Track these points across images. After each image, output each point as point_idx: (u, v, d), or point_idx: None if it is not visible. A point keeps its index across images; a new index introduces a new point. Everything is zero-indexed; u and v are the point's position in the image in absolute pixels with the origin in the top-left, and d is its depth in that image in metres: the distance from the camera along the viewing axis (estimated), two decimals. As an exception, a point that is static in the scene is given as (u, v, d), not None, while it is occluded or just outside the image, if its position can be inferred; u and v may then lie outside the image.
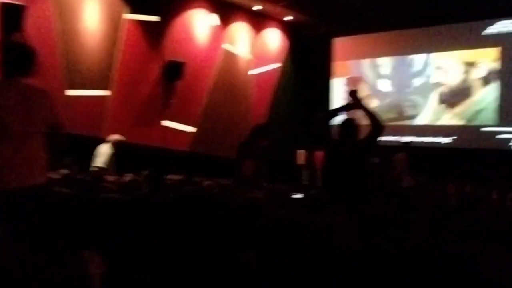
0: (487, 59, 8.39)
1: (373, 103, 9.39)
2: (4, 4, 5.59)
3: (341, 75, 10.06)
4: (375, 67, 9.68)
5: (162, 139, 7.69)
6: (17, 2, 5.65)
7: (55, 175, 4.02)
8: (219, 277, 1.22)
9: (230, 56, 8.92)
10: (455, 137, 8.73)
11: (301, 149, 9.84)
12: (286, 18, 9.77)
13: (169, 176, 6.05)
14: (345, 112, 4.03)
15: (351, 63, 9.99)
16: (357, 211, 3.61)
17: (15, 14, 5.57)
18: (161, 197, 3.22)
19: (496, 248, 1.89)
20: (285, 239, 2.20)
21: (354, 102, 3.85)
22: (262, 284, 1.49)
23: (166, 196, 3.38)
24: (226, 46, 8.82)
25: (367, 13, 9.05)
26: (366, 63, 9.79)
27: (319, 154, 6.82)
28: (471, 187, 8.36)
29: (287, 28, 10.20)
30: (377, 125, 3.75)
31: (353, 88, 3.88)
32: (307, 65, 10.37)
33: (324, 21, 9.83)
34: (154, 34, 7.57)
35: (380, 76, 9.63)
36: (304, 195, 5.08)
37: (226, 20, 8.76)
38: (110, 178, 4.79)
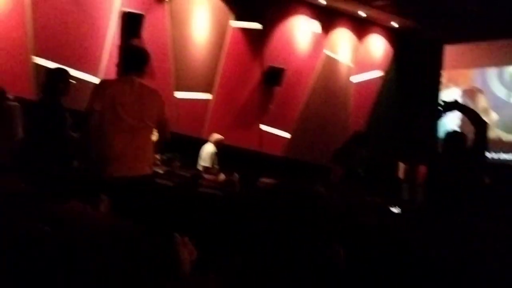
0: None
1: (493, 116, 8.59)
2: (125, 12, 6.22)
3: (454, 85, 9.38)
4: (497, 76, 8.82)
5: (258, 143, 7.88)
6: (136, 11, 6.25)
7: (159, 170, 4.35)
8: (301, 268, 1.21)
9: (330, 63, 8.84)
10: None
11: (402, 162, 9.36)
12: (391, 24, 9.41)
13: (262, 179, 6.17)
14: (447, 114, 3.63)
15: (466, 72, 9.25)
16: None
17: (134, 21, 6.16)
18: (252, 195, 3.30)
19: None
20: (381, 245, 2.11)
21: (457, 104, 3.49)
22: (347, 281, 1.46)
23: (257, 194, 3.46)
24: (327, 52, 8.76)
25: (483, 18, 8.34)
26: (485, 72, 8.98)
27: (422, 169, 6.42)
28: None
29: (391, 35, 9.81)
30: (480, 123, 3.36)
31: (470, 101, 3.53)
32: (413, 74, 9.84)
33: (433, 26, 9.26)
34: (256, 41, 7.81)
35: (506, 87, 8.72)
36: (402, 210, 4.83)
37: (328, 26, 8.71)
38: (208, 176, 5.04)
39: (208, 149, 6.48)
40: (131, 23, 6.15)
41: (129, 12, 6.18)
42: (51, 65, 5.14)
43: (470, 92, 9.01)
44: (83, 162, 3.31)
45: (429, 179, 3.84)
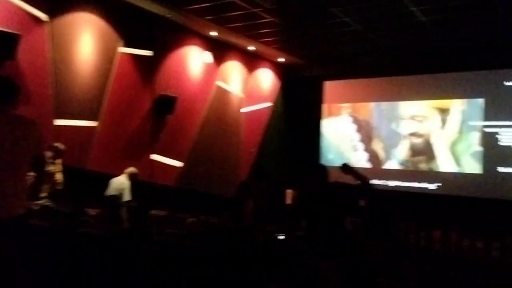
0: (470, 107, 8.54)
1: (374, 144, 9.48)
2: (-2, 31, 5.60)
3: (331, 116, 10.19)
4: (371, 110, 9.78)
5: (149, 173, 7.59)
6: (11, 30, 5.67)
7: (34, 207, 3.89)
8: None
9: (222, 93, 9.00)
10: (439, 184, 8.75)
11: (289, 189, 9.77)
12: (278, 60, 9.96)
13: (154, 212, 5.92)
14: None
15: (340, 105, 10.11)
16: (344, 256, 3.54)
17: (8, 41, 5.57)
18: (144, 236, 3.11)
19: None
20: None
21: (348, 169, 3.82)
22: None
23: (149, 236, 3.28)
24: (219, 83, 8.91)
25: (356, 59, 9.30)
26: (356, 106, 9.91)
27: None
28: (456, 235, 8.36)
29: (279, 69, 10.38)
30: (362, 178, 3.75)
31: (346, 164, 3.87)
32: (298, 106, 10.49)
33: (315, 64, 10.05)
34: (147, 68, 7.62)
35: (378, 120, 9.70)
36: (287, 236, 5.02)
37: (219, 58, 8.89)
38: (92, 212, 4.66)
39: (122, 182, 6.31)
40: (4, 44, 5.54)
41: (1, 31, 5.58)
42: None
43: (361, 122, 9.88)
44: None
45: (298, 205, 4.15)
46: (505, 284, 3.75)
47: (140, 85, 7.59)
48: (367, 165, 9.58)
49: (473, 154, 8.46)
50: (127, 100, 7.39)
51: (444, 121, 8.84)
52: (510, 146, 8.12)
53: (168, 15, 7.51)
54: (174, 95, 7.81)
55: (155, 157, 7.81)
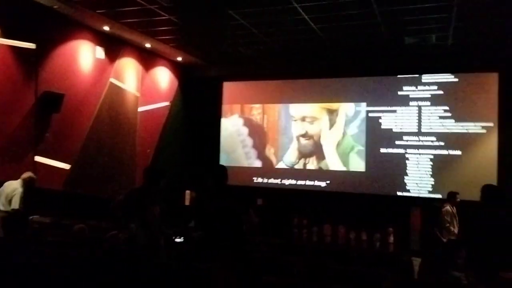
0: (352, 110, 9.29)
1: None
2: None
3: (228, 116, 10.33)
4: (267, 111, 10.08)
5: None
6: None
7: None
8: None
9: (116, 91, 8.58)
10: (328, 181, 9.36)
11: (189, 190, 9.68)
12: (176, 59, 9.81)
13: (36, 218, 5.45)
14: None
15: (237, 106, 10.30)
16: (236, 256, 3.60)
17: None
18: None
19: None
20: None
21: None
22: None
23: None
24: (112, 80, 8.48)
25: (254, 61, 9.55)
26: (253, 107, 10.17)
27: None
28: (344, 228, 9.04)
29: (177, 68, 10.23)
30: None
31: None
32: (197, 106, 10.45)
33: (214, 65, 10.10)
34: (29, 62, 6.96)
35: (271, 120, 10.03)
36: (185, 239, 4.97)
37: (113, 54, 8.47)
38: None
39: (14, 188, 5.74)
40: None
41: None
42: None
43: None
44: None
45: (196, 206, 4.16)
46: (385, 272, 4.08)
47: (21, 80, 6.90)
48: (259, 164, 9.89)
49: (358, 153, 9.19)
50: (5, 97, 6.68)
51: (332, 122, 9.46)
52: (391, 128, 8.92)
53: (55, 6, 6.94)
54: (61, 92, 7.26)
55: (39, 159, 7.17)
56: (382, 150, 8.95)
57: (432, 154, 8.62)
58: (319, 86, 9.61)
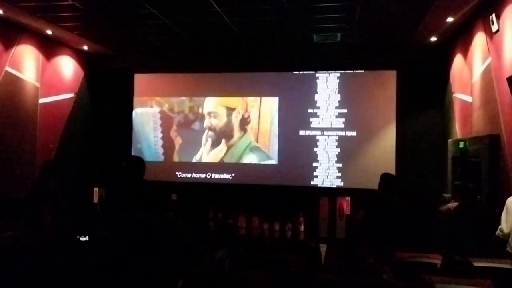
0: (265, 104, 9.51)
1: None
2: None
3: (139, 107, 10.01)
4: (177, 105, 9.90)
5: None
6: None
7: None
8: None
9: (12, 81, 7.85)
10: (240, 174, 9.48)
11: (96, 186, 9.22)
12: (82, 47, 9.25)
13: None
14: None
15: (150, 98, 10.01)
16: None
17: None
18: None
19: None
20: None
21: None
22: None
23: None
24: (8, 69, 7.75)
25: (166, 53, 9.32)
26: (163, 100, 9.94)
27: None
28: (258, 219, 9.26)
29: (82, 58, 9.65)
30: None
31: None
32: (107, 98, 9.96)
33: (124, 55, 9.68)
34: None
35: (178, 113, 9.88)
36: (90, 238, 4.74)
37: (9, 40, 7.73)
38: None
39: None
40: None
41: None
42: None
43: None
44: None
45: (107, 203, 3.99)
46: (293, 258, 4.24)
47: None
48: (176, 159, 9.75)
49: (266, 144, 9.43)
50: None
51: (241, 117, 9.58)
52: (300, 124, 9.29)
53: None
54: None
55: None
56: (291, 143, 9.28)
57: (337, 147, 9.11)
58: (232, 80, 9.67)
